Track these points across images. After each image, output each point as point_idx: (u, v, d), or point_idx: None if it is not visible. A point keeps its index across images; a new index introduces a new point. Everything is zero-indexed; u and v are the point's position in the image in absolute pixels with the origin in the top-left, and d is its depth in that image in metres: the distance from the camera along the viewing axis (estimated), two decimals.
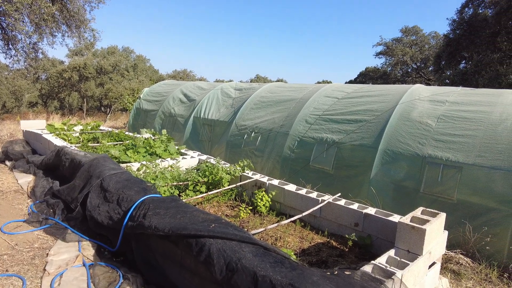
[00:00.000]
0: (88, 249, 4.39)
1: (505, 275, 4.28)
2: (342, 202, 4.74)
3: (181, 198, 5.33)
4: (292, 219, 4.40)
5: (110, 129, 9.91)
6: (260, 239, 4.44)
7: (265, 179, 5.69)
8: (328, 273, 2.62)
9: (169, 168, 6.19)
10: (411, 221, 3.45)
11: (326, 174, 6.37)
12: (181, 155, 7.09)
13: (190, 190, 5.57)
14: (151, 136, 7.75)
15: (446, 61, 17.44)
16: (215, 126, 8.93)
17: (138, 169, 5.94)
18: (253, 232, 3.77)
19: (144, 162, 6.05)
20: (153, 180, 5.26)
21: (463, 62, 18.09)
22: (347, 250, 4.22)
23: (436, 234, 3.49)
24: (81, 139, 8.80)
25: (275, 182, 5.55)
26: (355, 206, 4.57)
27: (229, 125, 8.46)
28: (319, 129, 6.82)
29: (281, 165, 7.01)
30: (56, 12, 12.18)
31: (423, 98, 6.19)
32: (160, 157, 6.77)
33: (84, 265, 3.93)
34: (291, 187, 5.38)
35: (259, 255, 2.89)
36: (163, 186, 5.16)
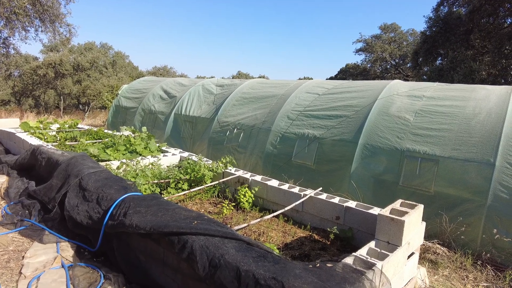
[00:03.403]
0: (67, 250, 4.27)
1: (478, 262, 4.46)
2: (323, 196, 4.80)
3: (162, 196, 5.26)
4: (275, 214, 4.43)
5: (88, 127, 9.66)
6: (244, 234, 4.44)
7: (248, 175, 5.69)
8: (310, 266, 2.65)
9: (150, 166, 6.09)
10: (390, 213, 3.53)
11: (308, 169, 6.44)
12: (162, 152, 7.00)
13: (172, 187, 5.50)
14: (131, 133, 7.61)
15: (423, 57, 17.91)
16: (196, 123, 8.85)
17: (118, 167, 5.83)
18: (236, 228, 3.78)
19: (124, 160, 5.94)
20: (134, 178, 5.17)
21: (440, 58, 18.63)
22: (329, 243, 4.29)
23: (414, 225, 3.59)
24: (58, 137, 8.53)
25: (258, 178, 5.56)
26: (336, 200, 4.64)
27: (211, 122, 8.41)
28: (301, 124, 6.87)
29: (263, 161, 7.04)
30: (28, 6, 11.72)
31: (402, 93, 6.34)
32: (140, 155, 6.66)
33: (62, 266, 3.83)
34: (274, 182, 5.41)
35: (242, 250, 2.89)
36: (143, 184, 5.08)
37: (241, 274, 2.63)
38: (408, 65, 30.14)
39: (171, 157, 6.70)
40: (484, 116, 5.27)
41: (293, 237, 4.43)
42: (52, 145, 7.26)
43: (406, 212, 3.44)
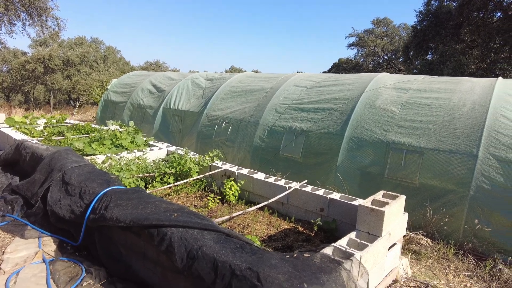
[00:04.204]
0: (50, 245, 4.24)
1: (460, 252, 4.51)
2: (308, 188, 4.81)
3: (147, 189, 5.23)
4: (258, 206, 4.43)
5: (76, 122, 9.55)
6: (228, 227, 4.44)
7: (234, 168, 5.67)
8: (288, 256, 2.65)
9: (136, 160, 6.05)
10: (372, 204, 3.54)
11: (295, 162, 6.44)
12: (149, 146, 6.95)
13: (157, 181, 5.47)
14: (118, 128, 7.53)
15: (414, 51, 17.96)
16: (185, 117, 8.79)
17: (103, 162, 5.78)
18: (217, 220, 3.76)
19: (109, 155, 5.88)
20: (118, 172, 5.12)
21: (430, 52, 18.70)
22: (313, 234, 4.30)
23: (395, 216, 3.60)
24: (45, 133, 8.43)
25: (244, 171, 5.55)
26: (320, 192, 4.65)
27: (200, 116, 8.36)
28: (288, 118, 6.86)
29: (251, 155, 7.02)
30: None
31: (388, 86, 6.35)
32: (126, 149, 6.60)
33: (44, 261, 3.80)
34: (260, 175, 5.40)
35: (220, 241, 2.88)
36: (128, 178, 5.04)
37: (218, 265, 2.62)
38: (400, 59, 30.25)
39: (158, 151, 6.66)
40: (468, 108, 5.30)
41: (277, 229, 4.43)
42: (37, 140, 7.17)
43: (387, 203, 3.45)
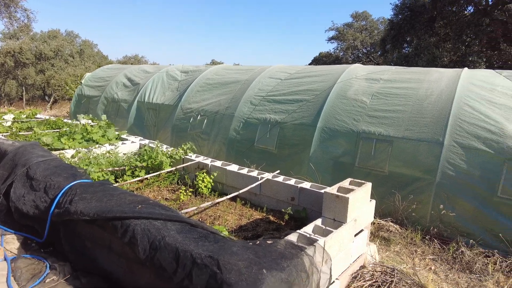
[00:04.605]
0: (13, 243, 4.10)
1: (427, 237, 4.65)
2: (280, 178, 4.83)
3: (117, 183, 5.12)
4: (228, 196, 4.42)
5: (48, 117, 9.25)
6: (199, 219, 4.42)
7: (208, 161, 5.63)
8: (250, 244, 2.65)
9: (107, 154, 5.91)
10: (338, 191, 3.59)
11: (270, 153, 6.45)
12: (121, 140, 6.81)
13: (128, 175, 5.37)
14: (89, 122, 7.34)
15: (391, 44, 18.26)
16: (160, 110, 8.66)
17: (73, 156, 5.62)
18: (184, 211, 3.73)
19: (78, 149, 5.73)
20: (86, 166, 5.00)
21: (406, 45, 19.06)
22: (283, 223, 4.33)
23: (361, 203, 3.66)
24: (13, 128, 8.12)
25: (218, 163, 5.52)
26: (292, 181, 4.68)
27: (175, 109, 8.24)
28: (263, 110, 6.85)
29: (227, 147, 6.99)
30: None
31: (360, 76, 6.42)
32: (97, 143, 6.44)
33: (5, 259, 3.67)
34: (233, 167, 5.38)
35: (184, 232, 2.85)
36: (96, 172, 4.92)
37: (180, 255, 2.59)
38: (379, 53, 30.73)
39: (130, 145, 6.53)
40: (435, 97, 5.42)
41: (248, 220, 4.43)
42: (3, 135, 6.90)
43: (353, 190, 3.50)
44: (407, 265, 4.15)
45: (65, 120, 8.74)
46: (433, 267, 4.13)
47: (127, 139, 6.92)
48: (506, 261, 4.07)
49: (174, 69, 9.79)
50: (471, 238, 4.39)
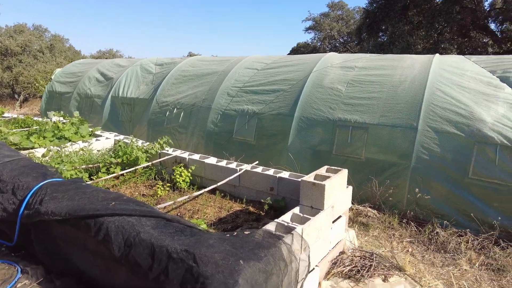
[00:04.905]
0: None
1: (404, 221, 4.76)
2: (259, 169, 4.81)
3: (91, 181, 4.97)
4: (206, 189, 4.38)
5: (17, 116, 8.85)
6: (178, 214, 4.35)
7: (185, 154, 5.54)
8: (228, 235, 2.62)
9: (80, 151, 5.72)
10: (314, 178, 3.60)
11: (249, 145, 6.41)
12: (95, 137, 6.60)
13: (103, 172, 5.21)
14: (61, 119, 7.07)
15: (366, 33, 18.46)
16: (135, 104, 8.44)
17: (44, 155, 5.40)
18: (161, 205, 3.65)
19: (50, 147, 5.51)
20: (58, 165, 4.81)
21: (382, 34, 19.32)
22: (263, 214, 4.32)
23: (338, 189, 3.69)
24: None
25: (196, 156, 5.44)
26: (270, 171, 4.67)
27: (150, 103, 8.05)
28: (240, 101, 6.79)
29: (205, 140, 6.90)
30: None
31: (335, 65, 6.45)
32: (70, 140, 6.22)
33: None
34: (212, 160, 5.32)
35: (159, 227, 2.79)
36: (69, 171, 4.75)
37: (155, 250, 2.54)
38: (355, 42, 31.05)
39: (105, 141, 6.35)
40: (409, 83, 5.51)
41: (228, 212, 4.40)
42: None
43: (329, 177, 3.52)
44: (385, 249, 4.24)
45: (35, 118, 8.39)
46: (410, 249, 4.24)
47: (101, 136, 6.72)
48: (477, 239, 4.22)
49: (148, 62, 9.54)
50: (445, 219, 4.53)
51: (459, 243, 4.19)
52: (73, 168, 4.90)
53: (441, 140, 4.78)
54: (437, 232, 4.36)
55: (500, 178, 4.38)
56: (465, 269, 3.86)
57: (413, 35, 14.55)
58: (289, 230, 2.92)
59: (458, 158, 4.62)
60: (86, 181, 4.96)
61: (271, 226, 2.98)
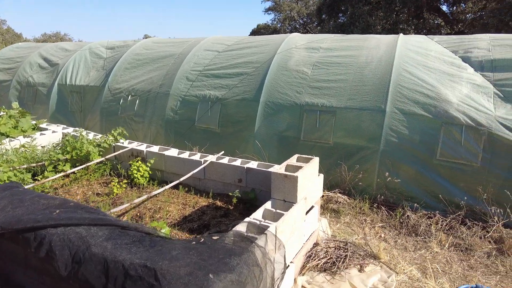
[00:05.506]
0: None
1: (374, 205, 4.70)
2: (225, 160, 4.50)
3: (35, 182, 4.39)
4: (169, 186, 4.00)
5: None
6: (137, 214, 3.95)
7: (142, 146, 5.08)
8: (194, 243, 2.31)
9: (21, 148, 5.05)
10: (286, 169, 3.36)
11: (213, 133, 6.05)
12: (40, 131, 5.89)
13: (49, 171, 4.64)
14: None
15: (327, 14, 18.36)
16: (85, 93, 7.69)
17: None
18: (116, 209, 3.24)
19: None
20: None
21: (342, 15, 19.32)
22: (232, 208, 4.04)
23: (310, 179, 3.48)
24: None
25: (155, 148, 5.00)
26: (238, 162, 4.37)
27: (102, 90, 7.36)
28: (201, 86, 6.35)
29: (165, 130, 6.43)
30: None
31: (300, 46, 6.18)
32: (7, 136, 5.49)
33: None
34: (173, 151, 4.91)
35: (113, 237, 2.41)
36: (6, 172, 4.14)
37: (109, 267, 2.17)
38: (315, 23, 31.01)
39: (51, 135, 5.68)
40: (375, 64, 5.38)
41: (193, 208, 4.07)
42: None
43: (301, 167, 3.29)
44: (358, 236, 4.15)
45: None
46: (383, 235, 4.18)
47: (47, 129, 6.01)
48: (445, 220, 4.26)
49: (98, 46, 8.71)
50: (415, 201, 4.52)
51: (429, 225, 4.19)
52: (12, 168, 4.29)
53: (409, 122, 4.72)
54: (407, 216, 4.34)
55: (465, 158, 4.41)
56: (436, 251, 3.87)
57: (372, 16, 14.64)
58: (262, 230, 2.66)
59: (426, 139, 4.60)
60: (29, 183, 4.39)
61: (242, 227, 2.70)
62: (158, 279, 1.99)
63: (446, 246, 3.97)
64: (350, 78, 5.36)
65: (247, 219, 2.82)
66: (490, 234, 4.05)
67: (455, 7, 18.13)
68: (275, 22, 34.60)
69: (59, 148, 5.20)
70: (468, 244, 3.99)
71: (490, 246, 3.96)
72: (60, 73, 8.35)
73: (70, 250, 2.39)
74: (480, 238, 4.06)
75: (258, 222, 2.76)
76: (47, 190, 4.42)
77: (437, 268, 3.62)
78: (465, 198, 4.33)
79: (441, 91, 4.71)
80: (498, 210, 4.13)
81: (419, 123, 4.66)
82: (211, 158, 4.54)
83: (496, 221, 4.09)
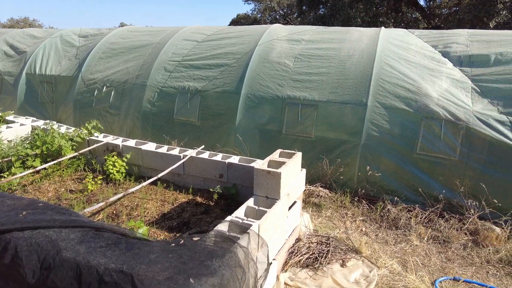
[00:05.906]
0: None
1: (355, 199, 4.72)
2: (205, 154, 4.37)
3: (1, 179, 4.12)
4: (146, 182, 3.84)
5: None
6: (113, 212, 3.78)
7: (118, 140, 4.86)
8: (173, 245, 2.20)
9: None
10: (268, 165, 3.28)
11: (193, 126, 5.89)
12: (7, 123, 5.55)
13: (17, 167, 4.36)
14: None
15: (307, 5, 18.26)
16: (57, 83, 7.30)
17: None
18: (90, 209, 3.07)
19: None
20: None
21: (322, 6, 19.26)
22: (213, 204, 3.94)
23: (293, 175, 3.42)
24: None
25: (131, 143, 4.80)
26: (219, 157, 4.25)
27: (75, 81, 7.00)
28: (180, 77, 6.15)
29: (141, 122, 6.20)
30: None
31: (281, 38, 6.07)
32: None
33: None
34: (150, 146, 4.73)
35: (86, 240, 2.26)
36: None
37: (82, 273, 2.03)
38: (296, 14, 30.85)
39: (19, 129, 5.35)
40: (357, 57, 5.36)
41: (173, 205, 3.94)
42: None
43: (284, 163, 3.22)
44: (340, 230, 4.15)
45: None
46: (364, 228, 4.20)
47: (14, 122, 5.67)
48: (424, 213, 4.32)
49: (70, 33, 8.27)
50: (395, 195, 4.56)
51: (409, 219, 4.24)
52: None
53: (390, 116, 4.74)
54: (388, 209, 4.38)
55: (444, 152, 4.48)
56: (416, 244, 3.92)
57: (353, 8, 14.68)
58: (244, 229, 2.57)
59: (406, 133, 4.63)
60: None
61: (223, 226, 2.60)
62: (135, 285, 1.87)
63: (425, 239, 4.03)
64: (332, 71, 5.31)
65: (228, 218, 2.73)
66: (466, 226, 4.15)
67: (431, 2, 18.46)
68: (255, 12, 34.20)
69: (27, 142, 4.89)
70: (446, 237, 4.07)
71: (466, 238, 4.06)
72: (28, 61, 7.88)
73: (38, 255, 2.22)
74: (457, 230, 4.15)
75: (240, 221, 2.67)
76: (14, 187, 4.16)
77: (416, 261, 3.66)
78: (444, 191, 4.40)
79: (422, 86, 4.74)
80: (474, 203, 4.23)
81: (400, 117, 4.68)
82: (191, 152, 4.40)
83: (472, 213, 4.18)
